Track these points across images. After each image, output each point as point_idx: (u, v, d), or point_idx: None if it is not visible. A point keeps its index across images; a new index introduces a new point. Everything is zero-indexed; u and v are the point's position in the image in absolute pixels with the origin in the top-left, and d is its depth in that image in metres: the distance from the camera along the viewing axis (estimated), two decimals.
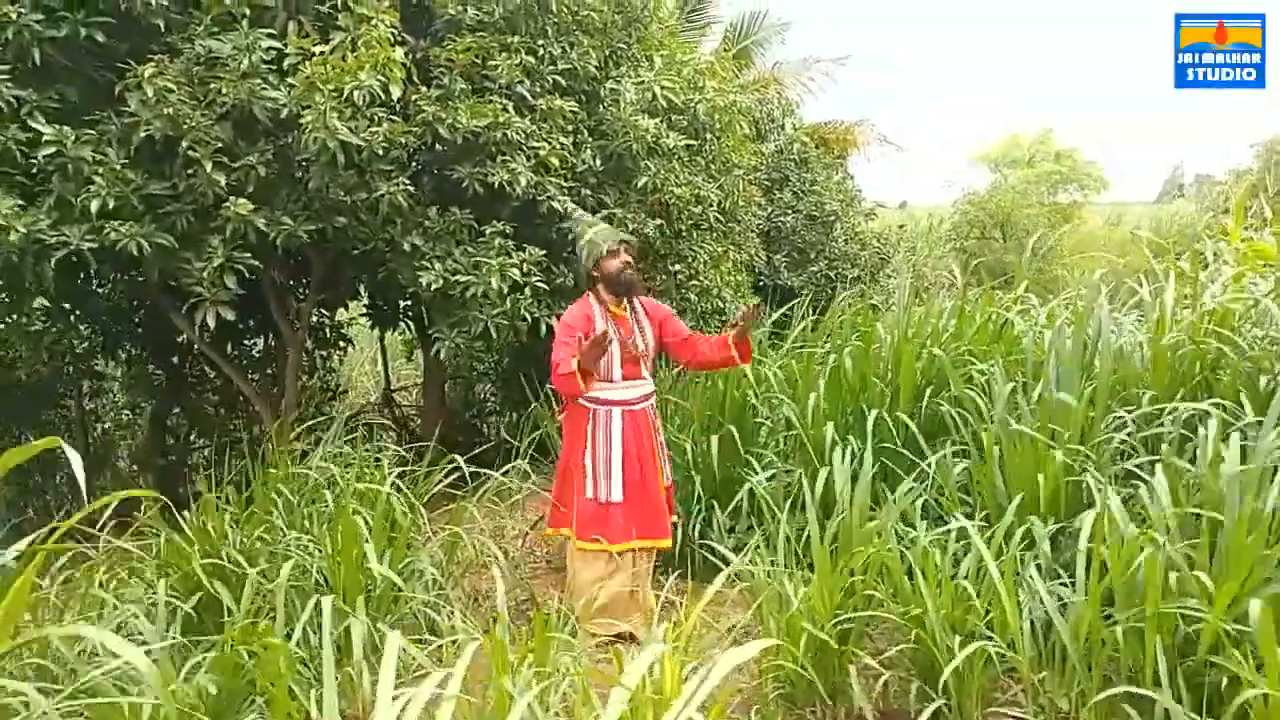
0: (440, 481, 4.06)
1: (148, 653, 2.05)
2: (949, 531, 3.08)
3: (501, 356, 7.41)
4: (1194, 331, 3.85)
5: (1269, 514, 2.59)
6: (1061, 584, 2.84)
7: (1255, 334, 3.75)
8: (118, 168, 3.89)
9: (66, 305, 5.35)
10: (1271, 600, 2.34)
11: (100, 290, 5.52)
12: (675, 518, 3.97)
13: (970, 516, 3.31)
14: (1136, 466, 3.17)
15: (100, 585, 3.05)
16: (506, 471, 4.28)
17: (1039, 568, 2.89)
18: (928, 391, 4.18)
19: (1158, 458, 3.12)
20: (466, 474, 3.97)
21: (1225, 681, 2.40)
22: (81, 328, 5.65)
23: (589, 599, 3.51)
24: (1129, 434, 3.50)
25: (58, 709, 1.92)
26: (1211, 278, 4.93)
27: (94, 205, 3.81)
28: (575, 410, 3.79)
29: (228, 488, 3.60)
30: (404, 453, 4.40)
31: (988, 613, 2.79)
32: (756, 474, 4.02)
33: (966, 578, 2.86)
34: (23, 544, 1.85)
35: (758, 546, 3.28)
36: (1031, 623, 2.75)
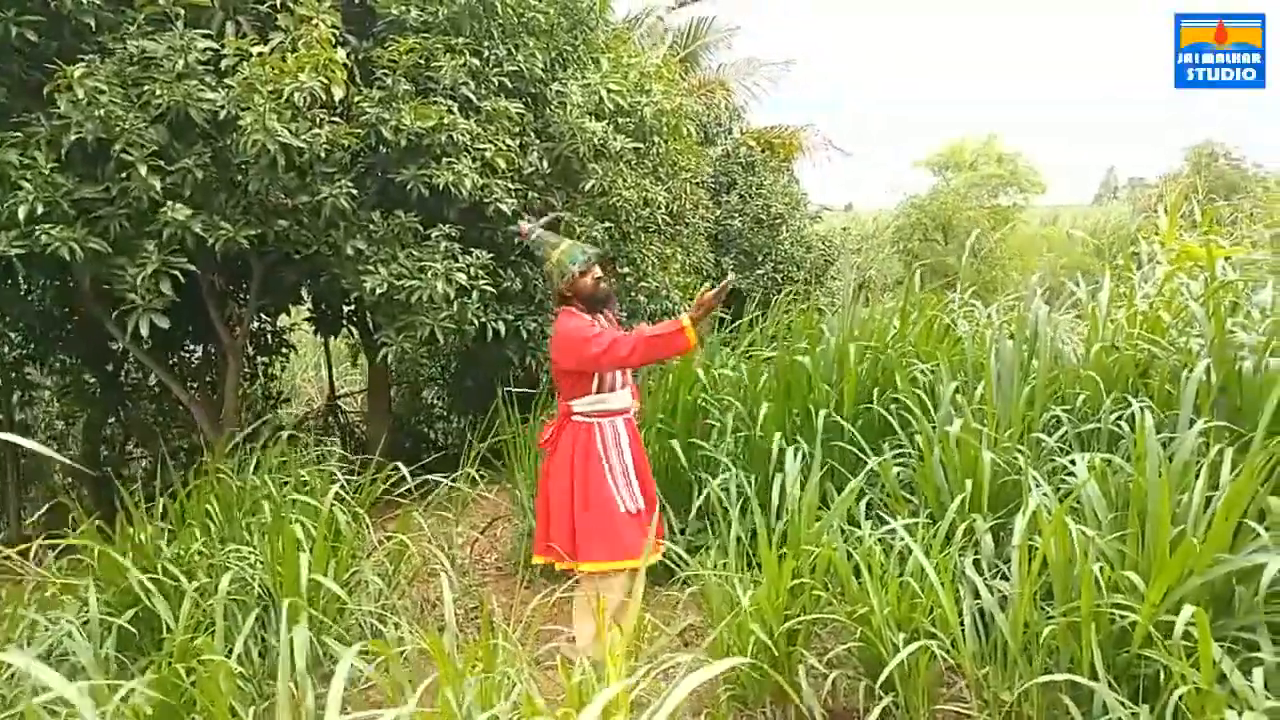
0: (386, 490, 3.99)
1: (82, 674, 1.98)
2: (894, 530, 3.12)
3: (449, 361, 7.35)
4: (1126, 336, 3.97)
5: (1196, 507, 2.66)
6: (1003, 579, 2.90)
7: (1181, 342, 3.84)
8: (46, 171, 3.77)
9: None
10: (1197, 594, 2.41)
11: (30, 297, 5.35)
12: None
13: (915, 515, 3.36)
14: (1070, 462, 3.24)
15: (34, 604, 2.94)
16: (455, 479, 4.23)
17: (977, 564, 2.94)
18: (874, 392, 4.24)
19: (1089, 454, 3.20)
20: (412, 482, 3.90)
21: (1160, 672, 2.47)
22: (11, 335, 5.47)
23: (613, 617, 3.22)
24: (1065, 432, 3.59)
25: None
26: (1145, 277, 5.08)
27: (22, 211, 3.69)
28: (574, 429, 3.45)
29: (164, 500, 3.50)
30: (349, 460, 4.32)
31: (933, 610, 2.83)
32: (709, 477, 4.02)
33: (912, 575, 2.90)
34: None
35: (706, 547, 3.28)
36: (975, 617, 2.80)
